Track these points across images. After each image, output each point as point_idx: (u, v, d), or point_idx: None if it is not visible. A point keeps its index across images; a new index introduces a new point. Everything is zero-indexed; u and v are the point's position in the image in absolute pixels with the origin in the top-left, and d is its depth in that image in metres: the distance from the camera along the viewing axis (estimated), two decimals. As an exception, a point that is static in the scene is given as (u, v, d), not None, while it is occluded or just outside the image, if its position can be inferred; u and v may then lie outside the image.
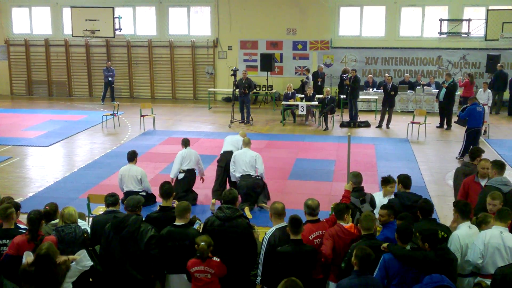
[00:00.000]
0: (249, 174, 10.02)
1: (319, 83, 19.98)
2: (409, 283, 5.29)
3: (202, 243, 5.64)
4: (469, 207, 6.14)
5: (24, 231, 6.01)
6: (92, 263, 5.61)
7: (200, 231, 6.20)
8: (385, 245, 5.52)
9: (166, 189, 6.60)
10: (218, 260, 5.74)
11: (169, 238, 5.88)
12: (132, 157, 10.09)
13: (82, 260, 5.51)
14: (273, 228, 5.88)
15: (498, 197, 6.33)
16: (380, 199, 7.11)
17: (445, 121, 17.35)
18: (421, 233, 5.45)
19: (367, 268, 5.00)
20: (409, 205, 6.69)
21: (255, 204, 10.19)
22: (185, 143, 10.79)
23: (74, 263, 5.48)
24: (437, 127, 17.39)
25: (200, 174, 10.77)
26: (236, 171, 10.09)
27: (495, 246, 5.59)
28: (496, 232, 5.68)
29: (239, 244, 6.00)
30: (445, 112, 17.28)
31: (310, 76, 20.25)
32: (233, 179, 10.27)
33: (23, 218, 7.08)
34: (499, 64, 19.56)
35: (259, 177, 10.14)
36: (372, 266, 5.08)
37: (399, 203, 6.76)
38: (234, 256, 5.94)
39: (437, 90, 20.15)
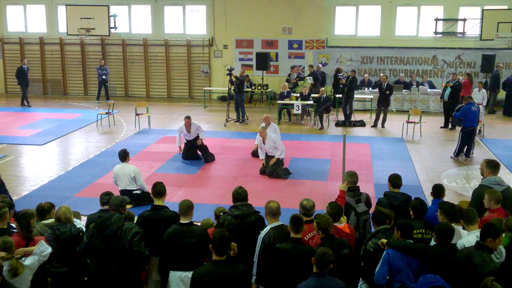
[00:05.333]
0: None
1: (318, 83, 19.97)
2: (412, 279, 5.34)
3: (221, 213, 6.31)
4: (455, 209, 6.07)
5: (16, 230, 5.98)
6: (51, 250, 5.70)
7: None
8: (384, 241, 5.56)
9: (159, 188, 6.59)
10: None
11: (176, 236, 5.85)
12: (123, 156, 10.07)
13: (40, 249, 5.57)
14: (268, 227, 5.87)
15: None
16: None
17: (449, 121, 17.09)
18: (437, 225, 5.50)
19: (324, 268, 4.95)
20: (397, 205, 6.71)
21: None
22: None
23: (32, 254, 5.59)
24: (441, 127, 17.33)
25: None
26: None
27: None
28: None
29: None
30: (449, 112, 16.57)
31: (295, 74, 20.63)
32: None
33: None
34: (499, 65, 19.74)
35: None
36: (329, 266, 5.00)
37: (388, 203, 6.77)
38: (252, 253, 5.89)
39: (432, 90, 20.30)
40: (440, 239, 5.38)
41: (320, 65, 20.97)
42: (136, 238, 5.76)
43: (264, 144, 12.19)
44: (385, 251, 5.47)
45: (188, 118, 13.19)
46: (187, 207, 5.97)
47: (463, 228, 6.01)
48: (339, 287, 5.00)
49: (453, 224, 5.88)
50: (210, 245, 5.22)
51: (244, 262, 5.47)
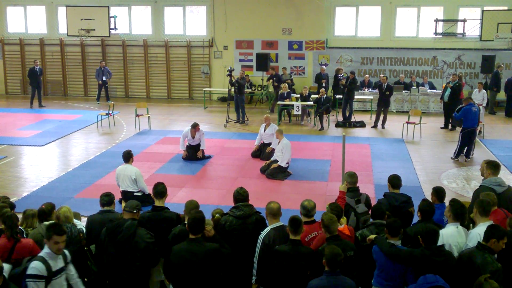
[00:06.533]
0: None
1: (323, 85, 19.93)
2: (396, 280, 5.42)
3: (217, 215, 6.29)
4: (464, 209, 6.03)
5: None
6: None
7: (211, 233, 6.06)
8: (372, 237, 5.62)
9: (160, 189, 6.59)
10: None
11: (183, 237, 5.82)
12: (127, 157, 10.08)
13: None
14: (268, 228, 5.87)
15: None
16: None
17: (449, 122, 17.08)
18: (423, 229, 5.49)
19: (336, 268, 4.98)
20: (397, 206, 6.71)
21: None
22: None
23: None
24: (441, 128, 17.33)
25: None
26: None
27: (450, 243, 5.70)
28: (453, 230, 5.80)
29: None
30: (450, 113, 16.55)
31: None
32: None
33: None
34: (500, 65, 19.83)
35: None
36: (341, 266, 5.04)
37: (387, 204, 6.77)
38: (253, 253, 5.91)
39: (432, 90, 20.31)
40: (425, 241, 5.35)
41: (324, 67, 20.95)
42: (151, 247, 5.85)
43: (277, 144, 12.46)
44: (373, 247, 5.57)
45: (196, 126, 13.37)
46: (193, 208, 5.98)
47: (473, 221, 6.05)
48: (350, 286, 5.03)
49: (458, 225, 5.89)
50: (186, 225, 5.56)
51: (219, 243, 5.65)
